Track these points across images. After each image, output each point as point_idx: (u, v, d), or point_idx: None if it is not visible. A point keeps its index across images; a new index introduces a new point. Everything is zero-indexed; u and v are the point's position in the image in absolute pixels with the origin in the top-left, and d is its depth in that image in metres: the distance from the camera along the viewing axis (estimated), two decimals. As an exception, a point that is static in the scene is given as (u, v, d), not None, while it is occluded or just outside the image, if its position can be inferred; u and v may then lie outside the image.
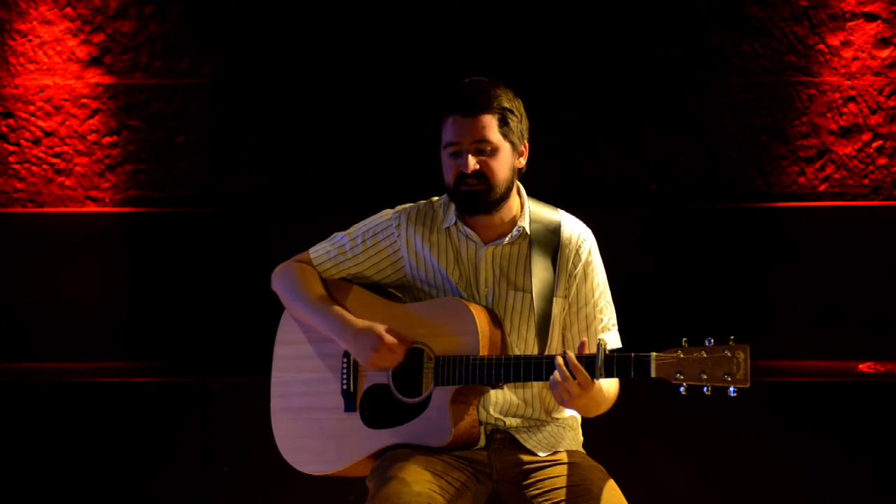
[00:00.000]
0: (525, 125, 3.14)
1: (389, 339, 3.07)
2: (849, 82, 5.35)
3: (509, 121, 3.08)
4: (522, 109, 3.14)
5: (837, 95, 5.36)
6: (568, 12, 5.40)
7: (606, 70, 5.40)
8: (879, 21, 5.34)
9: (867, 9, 5.34)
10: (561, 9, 5.40)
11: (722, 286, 5.19)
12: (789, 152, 5.37)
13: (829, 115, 5.36)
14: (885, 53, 5.35)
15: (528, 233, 3.16)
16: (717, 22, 5.37)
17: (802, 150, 5.37)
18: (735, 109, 5.37)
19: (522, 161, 3.15)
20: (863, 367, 4.85)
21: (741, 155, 5.38)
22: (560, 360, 2.89)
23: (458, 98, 3.09)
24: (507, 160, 3.09)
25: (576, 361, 2.88)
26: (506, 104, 3.08)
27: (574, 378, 2.88)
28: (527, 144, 3.15)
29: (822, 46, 5.36)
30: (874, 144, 5.35)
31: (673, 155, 5.39)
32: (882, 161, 5.35)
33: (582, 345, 2.93)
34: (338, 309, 3.17)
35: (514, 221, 3.16)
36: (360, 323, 3.12)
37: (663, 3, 5.38)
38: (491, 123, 3.07)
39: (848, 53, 5.35)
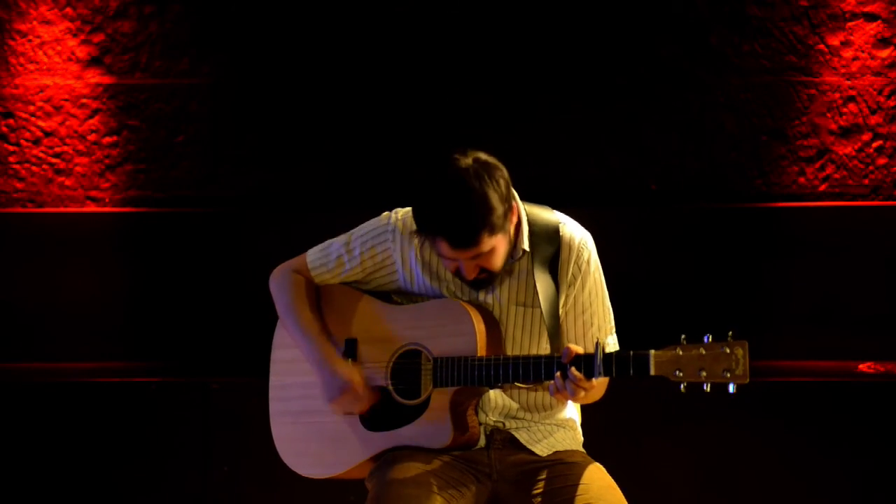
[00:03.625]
0: (506, 189, 2.95)
1: (361, 388, 3.07)
2: (849, 82, 5.35)
3: (497, 222, 2.92)
4: (500, 178, 2.93)
5: (837, 95, 5.36)
6: (568, 12, 5.40)
7: (606, 70, 5.40)
8: (879, 21, 5.34)
9: (867, 9, 5.34)
10: (561, 9, 5.40)
11: (722, 286, 5.19)
12: (789, 152, 5.37)
13: (829, 115, 5.36)
14: (885, 53, 5.35)
15: (528, 250, 3.10)
16: (717, 22, 5.37)
17: (802, 150, 5.37)
18: (735, 109, 5.37)
19: (515, 218, 3.02)
20: (863, 367, 4.85)
21: (741, 155, 5.37)
22: (559, 375, 2.89)
23: (443, 227, 2.92)
24: (503, 244, 2.99)
25: (578, 374, 2.88)
26: (494, 220, 2.91)
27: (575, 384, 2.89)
28: (514, 202, 3.01)
29: (822, 46, 5.36)
30: (874, 144, 5.35)
31: (673, 155, 5.39)
32: (882, 161, 5.35)
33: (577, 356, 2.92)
34: (322, 339, 3.14)
35: (514, 245, 3.08)
36: (341, 367, 3.11)
37: (663, 3, 5.38)
38: (483, 240, 2.93)
39: (848, 53, 5.35)
